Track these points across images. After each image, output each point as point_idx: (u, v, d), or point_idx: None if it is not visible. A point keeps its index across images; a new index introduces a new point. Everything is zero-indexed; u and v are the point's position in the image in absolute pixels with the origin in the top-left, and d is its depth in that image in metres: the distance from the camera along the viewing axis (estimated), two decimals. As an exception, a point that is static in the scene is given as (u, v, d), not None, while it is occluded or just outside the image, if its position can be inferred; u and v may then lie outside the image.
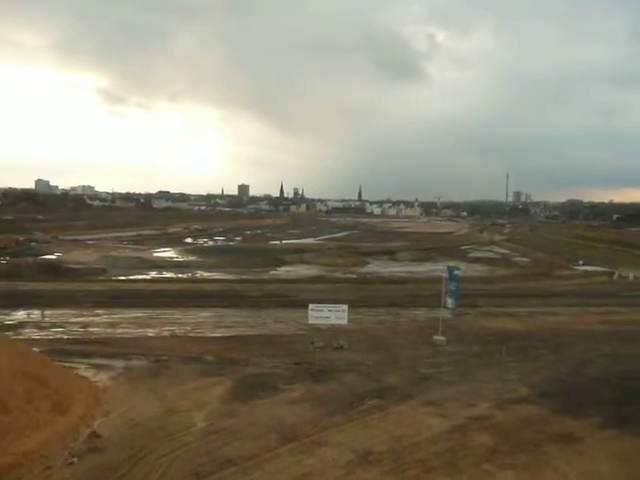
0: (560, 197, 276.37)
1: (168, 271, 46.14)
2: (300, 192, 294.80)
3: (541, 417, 13.01)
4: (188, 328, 23.63)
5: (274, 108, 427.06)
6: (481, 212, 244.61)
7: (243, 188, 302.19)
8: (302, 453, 11.15)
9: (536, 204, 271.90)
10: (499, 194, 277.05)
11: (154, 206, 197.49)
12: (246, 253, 61.76)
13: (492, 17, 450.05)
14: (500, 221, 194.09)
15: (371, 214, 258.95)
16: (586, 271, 57.27)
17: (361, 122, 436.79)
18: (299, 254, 61.90)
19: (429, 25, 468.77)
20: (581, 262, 64.37)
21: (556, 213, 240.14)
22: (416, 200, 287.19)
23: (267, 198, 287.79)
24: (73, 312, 25.96)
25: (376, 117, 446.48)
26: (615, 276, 52.83)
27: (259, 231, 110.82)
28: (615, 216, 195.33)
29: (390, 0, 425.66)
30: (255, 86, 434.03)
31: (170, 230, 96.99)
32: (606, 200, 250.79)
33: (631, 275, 52.25)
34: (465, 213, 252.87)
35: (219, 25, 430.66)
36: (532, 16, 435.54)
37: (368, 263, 60.02)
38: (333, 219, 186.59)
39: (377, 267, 57.75)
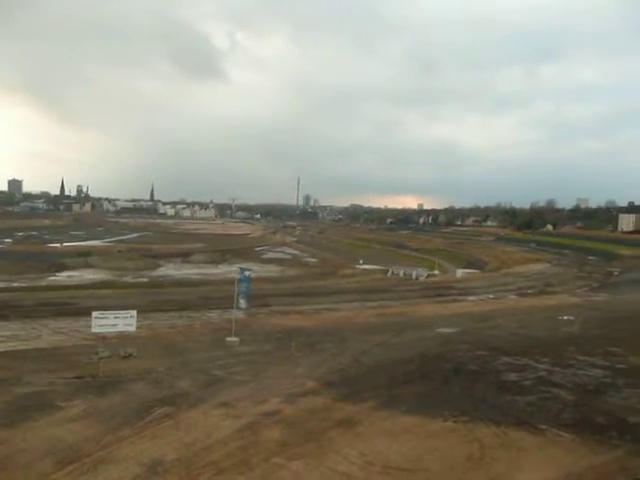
0: (344, 202, 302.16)
1: None
2: (85, 190, 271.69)
3: (325, 406, 13.93)
4: (-60, 347, 20.02)
5: (53, 96, 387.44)
6: (274, 214, 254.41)
7: (14, 184, 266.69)
8: (83, 474, 10.23)
9: (324, 208, 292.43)
10: (290, 197, 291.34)
11: None
12: (18, 257, 55.09)
13: (291, 24, 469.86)
14: (291, 223, 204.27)
15: (164, 215, 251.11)
16: (365, 269, 63.49)
17: (154, 118, 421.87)
18: (83, 258, 57.50)
19: (228, 24, 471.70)
20: (361, 261, 71.12)
21: (341, 217, 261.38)
22: (211, 202, 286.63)
23: (45, 196, 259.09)
24: None
25: (170, 114, 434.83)
26: (389, 273, 59.49)
27: (35, 232, 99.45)
28: (389, 220, 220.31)
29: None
30: (28, 69, 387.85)
31: None
32: (382, 206, 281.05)
33: (401, 272, 59.35)
34: (259, 215, 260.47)
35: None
36: (326, 30, 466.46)
37: (160, 266, 58.25)
38: (123, 220, 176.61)
39: (170, 270, 56.35)
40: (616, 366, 18.21)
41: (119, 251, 67.82)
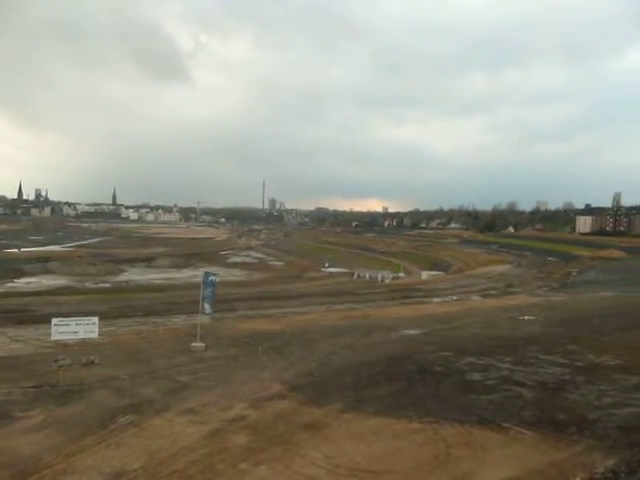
0: (310, 205, 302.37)
1: None
2: (44, 194, 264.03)
3: (292, 410, 13.90)
4: None
5: (9, 96, 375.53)
6: (239, 218, 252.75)
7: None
8: (43, 487, 9.93)
9: (289, 211, 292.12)
10: (256, 201, 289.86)
11: None
12: (-28, 264, 52.99)
13: (256, 27, 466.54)
14: (257, 227, 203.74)
15: (127, 219, 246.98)
16: (331, 272, 63.66)
17: (117, 121, 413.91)
18: (42, 263, 55.93)
19: (193, 25, 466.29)
20: (327, 264, 71.24)
21: (306, 220, 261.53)
22: (175, 205, 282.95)
23: (1, 200, 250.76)
24: None
25: (134, 116, 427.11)
26: (354, 276, 59.79)
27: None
28: (354, 223, 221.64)
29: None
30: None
31: None
32: (348, 209, 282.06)
33: (367, 275, 59.72)
34: (224, 219, 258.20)
35: None
36: (291, 33, 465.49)
37: (124, 271, 57.23)
38: (84, 224, 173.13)
39: (133, 275, 55.38)
40: (575, 364, 18.75)
41: (79, 256, 66.23)
